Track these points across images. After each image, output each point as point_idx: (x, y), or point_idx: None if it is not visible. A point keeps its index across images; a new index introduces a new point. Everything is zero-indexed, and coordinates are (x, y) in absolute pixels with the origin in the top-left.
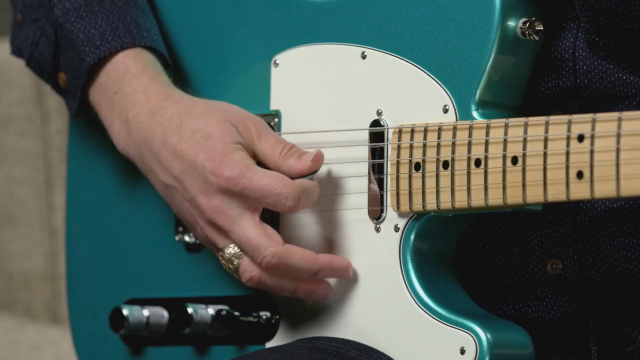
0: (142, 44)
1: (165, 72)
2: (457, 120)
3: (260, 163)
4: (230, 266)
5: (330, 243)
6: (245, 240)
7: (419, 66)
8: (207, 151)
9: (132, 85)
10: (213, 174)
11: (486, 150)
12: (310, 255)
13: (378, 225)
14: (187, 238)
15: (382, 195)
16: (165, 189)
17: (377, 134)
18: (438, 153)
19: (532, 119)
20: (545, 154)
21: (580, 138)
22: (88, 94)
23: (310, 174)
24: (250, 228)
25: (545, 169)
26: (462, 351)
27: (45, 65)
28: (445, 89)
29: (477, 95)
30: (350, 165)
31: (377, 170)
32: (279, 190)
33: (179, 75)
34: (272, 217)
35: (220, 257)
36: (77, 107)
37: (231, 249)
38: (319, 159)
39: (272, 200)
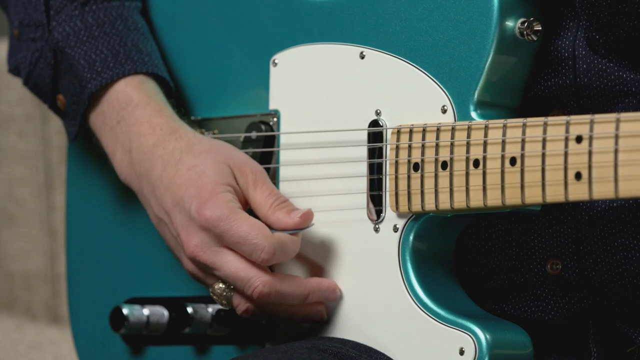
0: (143, 70)
1: (169, 103)
2: (455, 120)
3: (251, 211)
4: (224, 302)
5: (329, 243)
6: (232, 275)
7: (417, 66)
8: (197, 188)
9: (135, 115)
10: (197, 212)
11: (485, 151)
12: (299, 279)
13: (377, 226)
14: None
15: (380, 196)
16: (158, 223)
17: (375, 134)
18: (437, 153)
19: (530, 120)
20: (543, 155)
21: (579, 139)
22: (89, 119)
23: (295, 230)
24: (234, 262)
25: (543, 169)
26: (462, 352)
27: (43, 87)
28: (444, 89)
29: (476, 96)
30: (349, 165)
31: (375, 170)
32: (256, 241)
33: (179, 75)
34: None
35: (212, 294)
36: (76, 131)
37: (220, 286)
38: (307, 217)
39: (248, 250)
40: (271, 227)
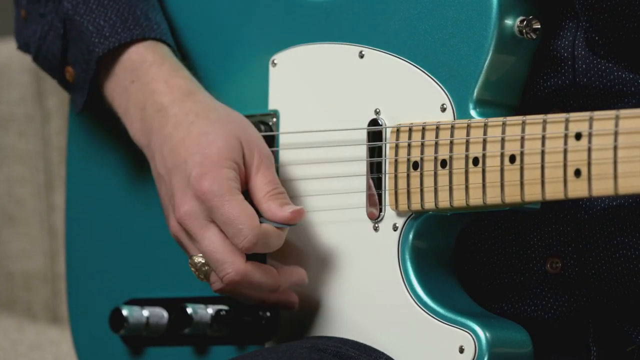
0: (152, 36)
1: (184, 66)
2: (455, 119)
3: (247, 193)
4: (201, 276)
5: (328, 242)
6: (209, 253)
7: (416, 65)
8: (203, 156)
9: (150, 74)
10: (195, 179)
11: (484, 149)
12: (272, 271)
13: (376, 225)
14: None
15: (380, 195)
16: (158, 178)
17: (375, 133)
18: (436, 152)
19: (529, 118)
20: (543, 152)
21: (578, 136)
22: (102, 87)
23: (283, 224)
24: (215, 240)
25: (543, 167)
26: (461, 350)
27: (52, 60)
28: (443, 88)
29: (475, 94)
30: (348, 165)
31: (375, 169)
32: (242, 227)
33: None
34: None
35: (190, 264)
36: (84, 101)
37: (199, 259)
38: (298, 214)
39: (232, 232)
40: (260, 215)
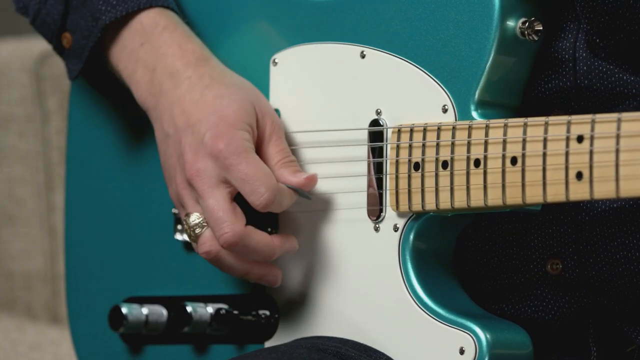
0: (159, 4)
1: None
2: (456, 120)
3: None
4: (192, 234)
5: (328, 242)
6: (211, 210)
7: (418, 66)
8: (219, 117)
9: (162, 37)
10: (211, 139)
11: (485, 150)
12: (268, 239)
13: (377, 225)
14: (186, 237)
15: (381, 195)
16: (164, 138)
17: (376, 134)
18: (437, 153)
19: (531, 120)
20: (544, 155)
21: (580, 139)
22: (105, 52)
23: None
24: (221, 200)
25: (544, 169)
26: (462, 351)
27: (51, 25)
28: (445, 88)
29: (477, 95)
30: (349, 165)
31: (376, 169)
32: (260, 184)
33: None
34: (270, 213)
35: (184, 222)
36: (80, 68)
37: (196, 217)
38: (311, 180)
39: (249, 189)
40: None
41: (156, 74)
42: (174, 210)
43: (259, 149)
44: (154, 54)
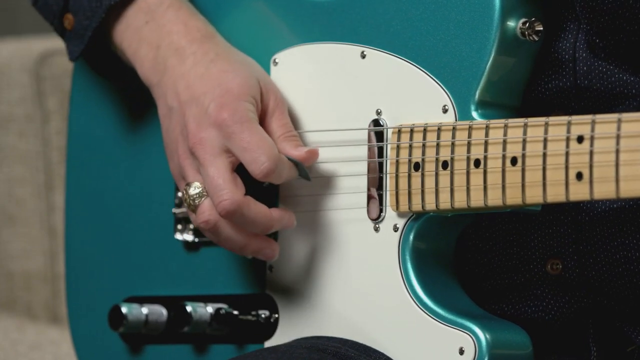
0: None
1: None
2: (456, 120)
3: None
4: (191, 204)
5: (328, 243)
6: (212, 178)
7: (418, 66)
8: (224, 89)
9: (167, 16)
10: (215, 110)
11: (485, 151)
12: (267, 211)
13: (377, 225)
14: (186, 237)
15: (381, 195)
16: (167, 113)
17: (376, 134)
18: (437, 153)
19: (531, 120)
20: (544, 155)
21: (580, 139)
22: (109, 31)
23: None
24: (222, 168)
25: (544, 169)
26: (461, 351)
27: (53, 6)
28: (445, 89)
29: (477, 96)
30: (349, 165)
31: (376, 169)
32: (261, 152)
33: None
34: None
35: (183, 192)
36: (82, 49)
37: (196, 187)
38: (313, 154)
39: (250, 158)
40: None
41: (161, 51)
42: (174, 210)
43: (262, 123)
44: (159, 31)
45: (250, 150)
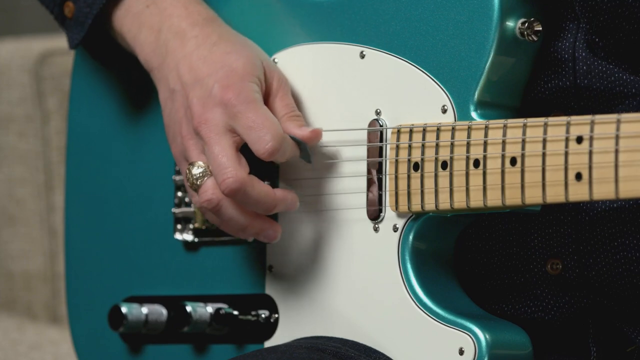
0: None
1: None
2: (455, 120)
3: None
4: (194, 183)
5: (328, 243)
6: (216, 156)
7: (417, 66)
8: (228, 70)
9: (168, 0)
10: (220, 90)
11: (485, 151)
12: (270, 191)
13: (377, 226)
14: (186, 237)
15: (380, 195)
16: (169, 96)
17: (375, 134)
18: (437, 153)
19: (530, 120)
20: (544, 155)
21: (579, 139)
22: (109, 17)
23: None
24: (226, 147)
25: (544, 170)
26: (461, 352)
27: None
28: (444, 89)
29: (476, 96)
30: (348, 165)
31: (375, 170)
32: (265, 131)
33: None
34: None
35: (186, 173)
36: (82, 37)
37: (200, 166)
38: (316, 133)
39: (255, 136)
40: None
41: (162, 34)
42: (174, 210)
43: (266, 103)
44: (160, 15)
45: (255, 129)
